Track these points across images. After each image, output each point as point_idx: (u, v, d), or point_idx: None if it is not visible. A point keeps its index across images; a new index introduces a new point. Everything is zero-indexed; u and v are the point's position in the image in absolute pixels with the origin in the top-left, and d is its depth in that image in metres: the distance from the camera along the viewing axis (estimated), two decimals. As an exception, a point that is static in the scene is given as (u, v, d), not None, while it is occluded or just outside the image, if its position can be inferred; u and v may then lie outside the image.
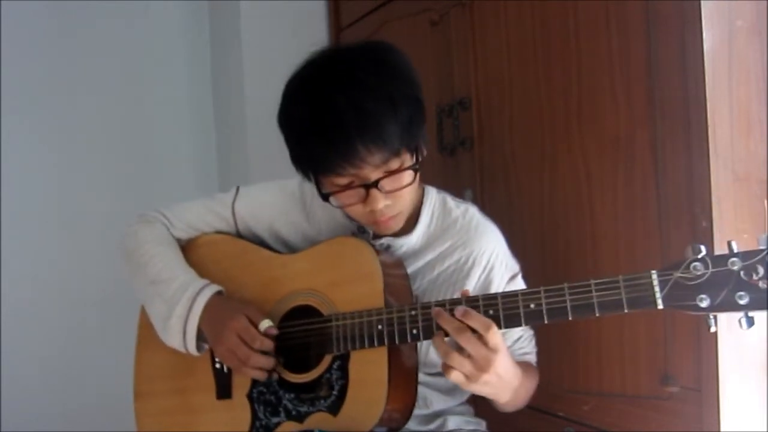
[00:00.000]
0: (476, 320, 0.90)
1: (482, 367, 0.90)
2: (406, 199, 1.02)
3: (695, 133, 1.11)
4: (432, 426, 1.14)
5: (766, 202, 1.09)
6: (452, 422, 1.14)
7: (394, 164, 0.96)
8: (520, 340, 1.15)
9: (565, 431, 1.36)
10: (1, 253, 2.00)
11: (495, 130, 1.53)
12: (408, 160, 0.98)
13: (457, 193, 1.58)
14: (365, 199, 0.98)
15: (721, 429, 1.08)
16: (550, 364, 1.39)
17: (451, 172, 1.64)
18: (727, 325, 1.07)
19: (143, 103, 2.23)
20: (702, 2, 1.08)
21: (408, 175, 0.98)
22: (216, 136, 2.34)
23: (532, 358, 1.17)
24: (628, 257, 1.24)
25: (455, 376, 0.91)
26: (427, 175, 1.66)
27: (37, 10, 2.05)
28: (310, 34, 2.19)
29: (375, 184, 0.96)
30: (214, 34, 2.32)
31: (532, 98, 1.42)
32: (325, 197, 1.01)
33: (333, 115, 0.93)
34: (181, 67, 2.30)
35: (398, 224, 1.06)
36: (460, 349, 0.91)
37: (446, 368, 0.92)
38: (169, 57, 2.28)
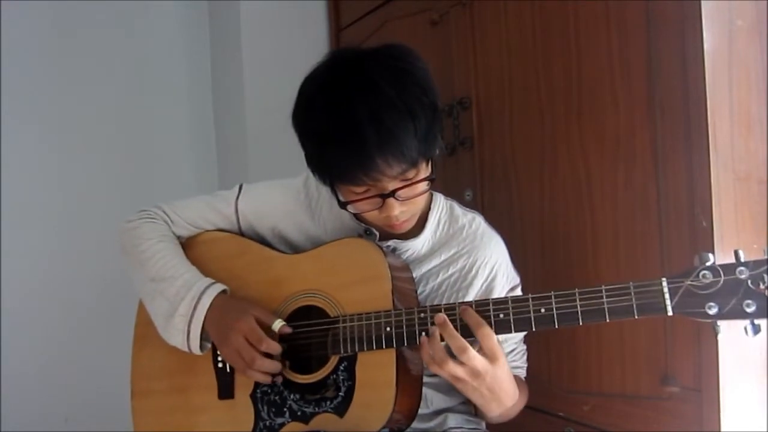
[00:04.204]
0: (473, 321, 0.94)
1: (475, 374, 0.93)
2: (419, 204, 1.04)
3: (695, 133, 1.11)
4: (432, 424, 1.14)
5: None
6: (452, 420, 1.14)
7: (411, 174, 0.97)
8: (513, 353, 1.15)
9: (565, 431, 1.36)
10: (0, 252, 2.00)
11: (495, 130, 1.53)
12: (424, 168, 0.98)
13: (457, 192, 1.58)
14: (381, 206, 0.99)
15: (721, 429, 1.08)
16: (550, 364, 1.39)
17: (451, 172, 1.64)
18: (727, 325, 1.07)
19: (143, 104, 2.22)
20: (702, 2, 1.08)
21: (423, 184, 0.99)
22: (216, 136, 2.34)
23: (522, 372, 1.18)
24: (628, 257, 1.24)
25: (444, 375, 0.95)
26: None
27: (37, 11, 2.05)
28: (310, 34, 2.19)
29: (392, 194, 0.97)
30: (214, 34, 2.32)
31: (532, 98, 1.42)
32: (343, 205, 1.01)
33: (353, 127, 0.91)
34: (181, 67, 2.30)
35: (410, 225, 1.06)
36: (452, 355, 0.93)
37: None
38: (169, 57, 2.28)
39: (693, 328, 1.12)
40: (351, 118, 0.92)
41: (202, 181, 2.31)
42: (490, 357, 0.92)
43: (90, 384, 2.05)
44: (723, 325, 0.84)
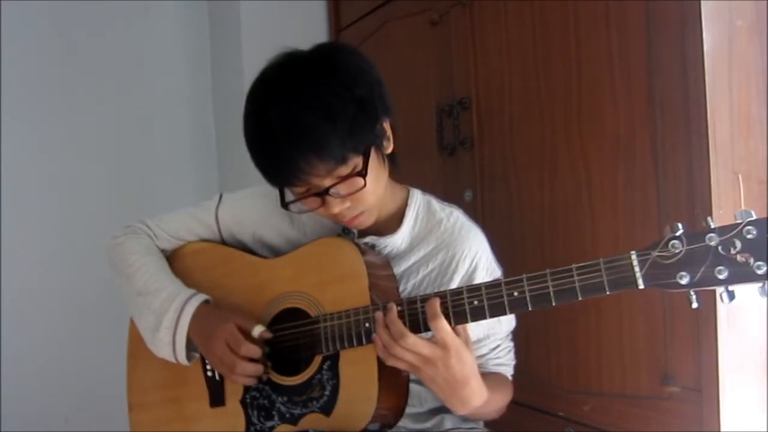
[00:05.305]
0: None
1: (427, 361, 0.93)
2: (367, 199, 1.01)
3: (695, 133, 1.11)
4: (428, 424, 1.14)
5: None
6: (450, 421, 1.13)
7: (344, 171, 0.96)
8: (497, 349, 1.14)
9: (565, 431, 1.36)
10: (1, 254, 2.00)
11: (495, 130, 1.53)
12: (360, 163, 0.98)
13: (457, 192, 1.59)
14: (323, 204, 1.00)
15: (721, 429, 1.08)
16: (549, 364, 1.39)
17: (451, 172, 1.64)
18: (727, 325, 1.07)
19: (143, 104, 2.23)
20: (702, 2, 1.08)
21: (360, 180, 0.97)
22: (216, 136, 2.34)
23: (508, 370, 1.16)
24: (628, 257, 1.24)
25: (398, 363, 0.95)
26: (427, 175, 1.67)
27: (37, 10, 2.05)
28: (310, 34, 2.19)
29: (326, 191, 0.97)
30: (214, 34, 2.32)
31: (532, 98, 1.42)
32: (285, 206, 1.03)
33: (265, 130, 0.95)
34: (181, 67, 2.30)
35: (368, 220, 1.06)
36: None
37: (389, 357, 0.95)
38: (169, 57, 2.28)
39: (693, 328, 1.12)
40: (262, 122, 0.96)
41: (202, 181, 2.31)
42: (441, 345, 0.92)
43: (90, 384, 2.06)
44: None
